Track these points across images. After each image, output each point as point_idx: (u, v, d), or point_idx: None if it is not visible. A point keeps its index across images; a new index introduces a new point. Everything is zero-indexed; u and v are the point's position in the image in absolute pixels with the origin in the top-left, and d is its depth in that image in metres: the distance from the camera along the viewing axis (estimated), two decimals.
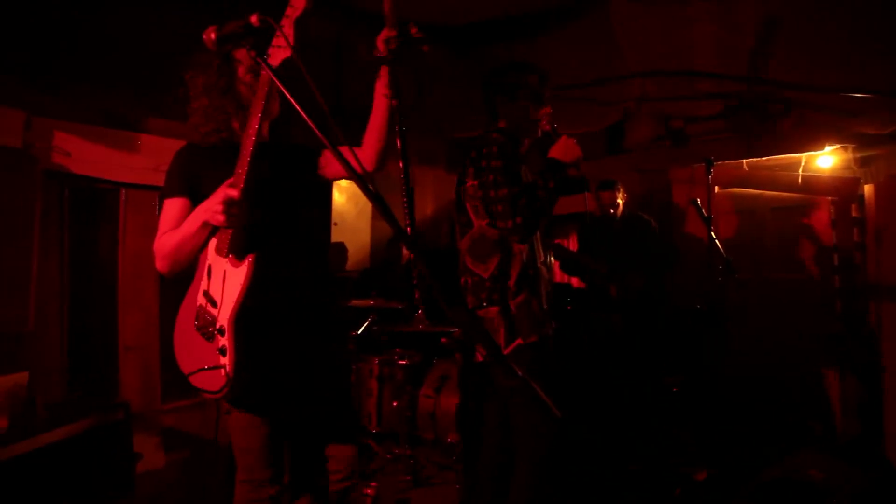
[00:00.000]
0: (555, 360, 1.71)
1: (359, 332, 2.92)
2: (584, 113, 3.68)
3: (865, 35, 2.64)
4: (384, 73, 1.27)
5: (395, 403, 2.83)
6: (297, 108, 0.97)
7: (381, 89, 1.30)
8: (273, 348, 1.30)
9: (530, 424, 1.65)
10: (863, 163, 3.33)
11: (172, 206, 1.34)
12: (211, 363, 1.20)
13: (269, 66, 0.99)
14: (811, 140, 3.25)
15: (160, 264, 1.33)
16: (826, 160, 3.39)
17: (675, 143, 3.74)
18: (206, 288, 1.27)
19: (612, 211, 3.30)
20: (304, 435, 1.48)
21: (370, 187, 0.93)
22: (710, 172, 2.70)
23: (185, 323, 1.31)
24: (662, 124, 3.68)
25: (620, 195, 3.34)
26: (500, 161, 1.64)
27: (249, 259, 1.20)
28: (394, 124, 1.29)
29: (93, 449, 1.80)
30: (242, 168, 1.19)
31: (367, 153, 1.37)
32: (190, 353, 1.28)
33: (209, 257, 1.28)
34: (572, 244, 4.00)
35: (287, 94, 0.97)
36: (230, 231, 1.23)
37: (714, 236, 2.74)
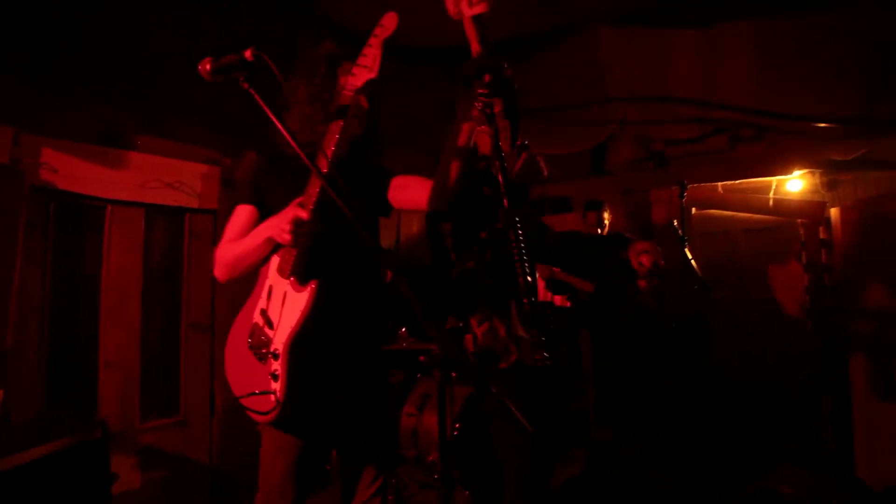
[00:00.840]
0: (535, 381, 1.74)
1: None
2: (570, 134, 3.79)
3: (834, 68, 2.80)
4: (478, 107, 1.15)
5: None
6: (289, 138, 1.00)
7: (465, 126, 1.22)
8: (325, 377, 1.26)
9: (513, 442, 1.68)
10: (830, 187, 3.48)
11: (240, 214, 1.33)
12: (262, 387, 1.18)
13: (261, 99, 1.02)
14: (781, 164, 3.40)
15: (218, 271, 1.31)
16: (795, 184, 3.55)
17: (656, 165, 3.87)
18: (264, 307, 1.24)
19: (598, 230, 3.38)
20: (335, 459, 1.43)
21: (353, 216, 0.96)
22: (683, 195, 2.80)
23: (238, 337, 1.29)
24: (644, 146, 3.80)
25: (607, 215, 3.43)
26: None
27: (313, 286, 1.17)
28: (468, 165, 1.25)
29: (69, 468, 1.77)
30: (314, 189, 1.16)
31: (439, 180, 1.29)
32: (240, 370, 1.26)
33: (270, 276, 1.25)
34: None
35: (279, 125, 1.00)
36: (294, 252, 1.20)
37: (690, 256, 2.83)
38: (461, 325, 1.59)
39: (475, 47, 1.18)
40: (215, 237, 2.61)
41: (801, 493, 2.16)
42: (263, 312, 1.23)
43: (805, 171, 3.45)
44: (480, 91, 1.12)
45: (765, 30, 2.89)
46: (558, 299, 4.10)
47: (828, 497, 2.18)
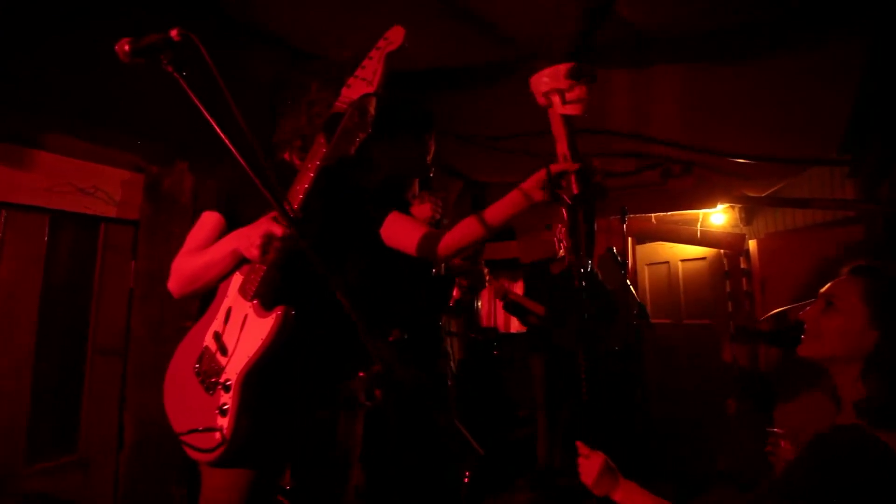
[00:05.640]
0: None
1: None
2: (517, 163, 3.89)
3: (754, 110, 3.09)
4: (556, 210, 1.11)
5: None
6: (222, 135, 0.91)
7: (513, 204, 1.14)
8: (280, 416, 1.14)
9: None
10: (747, 221, 3.80)
11: (205, 222, 1.21)
12: (206, 422, 1.05)
13: (187, 83, 0.92)
14: (706, 198, 3.68)
15: (173, 284, 1.18)
16: (719, 217, 3.84)
17: (596, 196, 4.04)
18: (218, 329, 1.11)
19: (556, 252, 3.42)
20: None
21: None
22: (624, 221, 2.92)
23: (183, 361, 1.15)
24: None
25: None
26: None
27: (279, 312, 1.06)
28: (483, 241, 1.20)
29: None
30: (293, 203, 1.08)
31: (447, 242, 1.25)
32: (183, 400, 1.12)
33: (230, 295, 1.13)
34: (517, 287, 4.11)
35: (209, 117, 0.91)
36: (261, 271, 1.09)
37: (629, 283, 2.93)
38: (405, 336, 1.51)
39: (561, 148, 1.07)
40: (135, 250, 2.36)
41: None
42: (217, 336, 1.11)
43: (726, 205, 3.74)
44: (566, 197, 1.05)
45: (689, 75, 3.16)
46: (515, 322, 4.11)
47: None
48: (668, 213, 3.89)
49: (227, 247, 1.12)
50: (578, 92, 1.05)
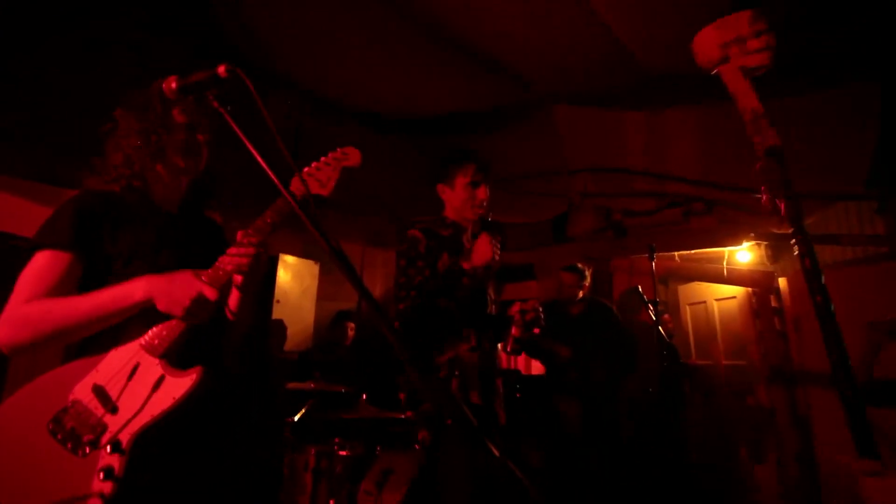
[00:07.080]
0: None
1: (295, 418, 2.65)
2: (533, 204, 3.91)
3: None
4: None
5: (331, 502, 2.50)
6: (267, 169, 0.91)
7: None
8: (173, 477, 1.06)
9: None
10: (774, 258, 3.71)
11: (51, 264, 1.05)
12: (78, 490, 0.92)
13: (231, 118, 0.95)
14: (730, 236, 3.61)
15: (12, 336, 1.01)
16: (744, 255, 3.76)
17: (616, 235, 4.01)
18: (102, 383, 1.01)
19: (576, 294, 3.35)
20: None
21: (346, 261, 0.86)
22: (653, 259, 2.87)
23: (24, 420, 0.98)
24: (603, 217, 3.96)
25: (586, 280, 3.41)
26: (402, 260, 1.69)
27: (198, 372, 1.02)
28: None
29: None
30: (227, 268, 1.06)
31: None
32: (30, 466, 0.96)
33: (129, 348, 1.04)
34: None
35: (254, 151, 0.91)
36: (178, 329, 1.04)
37: (657, 321, 2.84)
38: (457, 373, 1.46)
39: (749, 102, 0.90)
40: None
41: None
42: (101, 391, 1.00)
43: (752, 242, 3.67)
44: None
45: (707, 115, 3.19)
46: (536, 364, 3.98)
47: None
48: (693, 252, 3.83)
49: (133, 298, 1.02)
50: (766, 39, 0.91)
